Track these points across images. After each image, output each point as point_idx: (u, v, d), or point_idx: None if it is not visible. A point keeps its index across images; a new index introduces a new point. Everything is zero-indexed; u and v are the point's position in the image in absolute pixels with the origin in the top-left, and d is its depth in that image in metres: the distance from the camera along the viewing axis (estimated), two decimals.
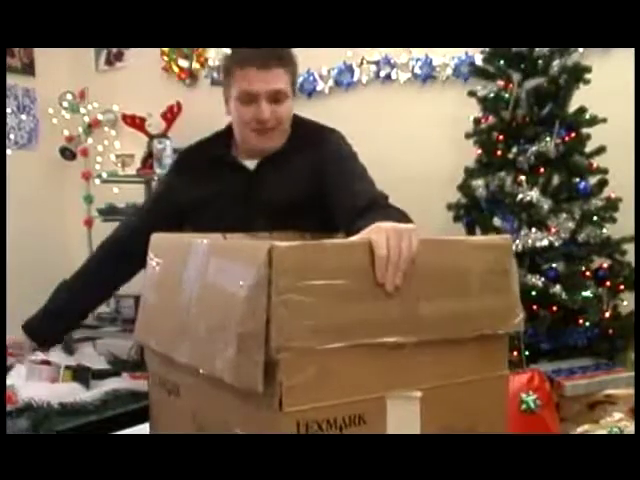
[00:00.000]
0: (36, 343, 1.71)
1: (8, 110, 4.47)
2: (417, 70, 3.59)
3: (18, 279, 4.20)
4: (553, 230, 2.69)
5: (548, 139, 2.76)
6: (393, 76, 3.65)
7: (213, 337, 0.96)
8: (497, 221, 2.80)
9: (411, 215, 1.52)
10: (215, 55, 4.20)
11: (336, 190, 1.61)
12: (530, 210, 2.71)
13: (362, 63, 3.72)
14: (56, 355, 1.70)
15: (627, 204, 2.83)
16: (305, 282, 0.88)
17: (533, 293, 2.61)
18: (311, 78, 3.84)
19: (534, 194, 2.71)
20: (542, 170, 2.79)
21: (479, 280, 1.04)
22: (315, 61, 3.76)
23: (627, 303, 2.82)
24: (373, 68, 3.70)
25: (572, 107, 2.85)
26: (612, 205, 2.82)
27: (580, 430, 1.67)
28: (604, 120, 2.81)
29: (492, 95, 2.92)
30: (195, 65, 4.30)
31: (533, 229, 2.71)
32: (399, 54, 3.62)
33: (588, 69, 2.82)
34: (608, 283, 2.77)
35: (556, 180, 2.81)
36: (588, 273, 2.73)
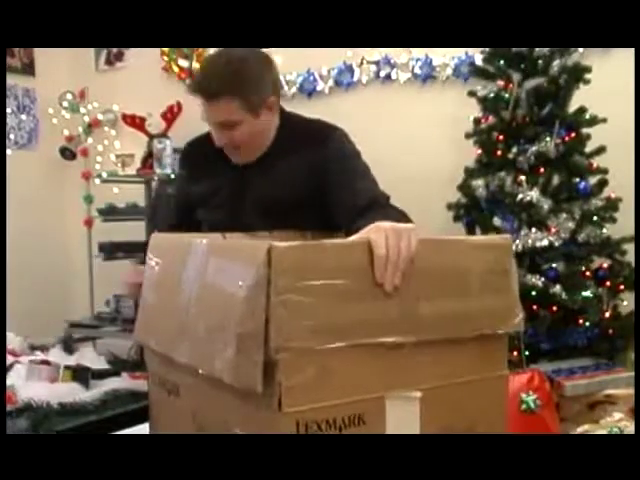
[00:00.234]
0: None
1: (8, 110, 4.47)
2: (417, 70, 3.59)
3: (18, 279, 4.20)
4: (553, 230, 2.69)
5: (548, 139, 2.76)
6: (393, 76, 3.65)
7: (212, 337, 0.96)
8: (497, 221, 2.80)
9: (411, 215, 1.53)
10: None
11: (337, 188, 1.61)
12: (530, 210, 2.71)
13: (362, 63, 3.72)
14: (56, 355, 1.70)
15: (627, 204, 2.83)
16: (304, 282, 0.88)
17: (533, 293, 2.61)
18: (311, 78, 3.84)
19: (534, 194, 2.71)
20: (542, 170, 2.79)
21: (479, 280, 1.04)
22: (315, 61, 3.76)
23: (627, 303, 2.83)
24: (373, 68, 3.70)
25: (572, 107, 2.85)
26: (612, 205, 2.82)
27: (580, 430, 1.67)
28: (604, 120, 2.81)
29: (492, 95, 2.92)
30: (195, 65, 4.30)
31: (533, 229, 2.71)
32: (399, 54, 3.62)
33: (588, 69, 2.82)
34: (608, 283, 2.77)
35: (556, 180, 2.81)
36: (588, 273, 2.73)
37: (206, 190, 1.76)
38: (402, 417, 0.96)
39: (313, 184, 1.63)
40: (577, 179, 2.81)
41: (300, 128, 1.71)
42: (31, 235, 4.49)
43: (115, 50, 4.63)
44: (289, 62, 3.71)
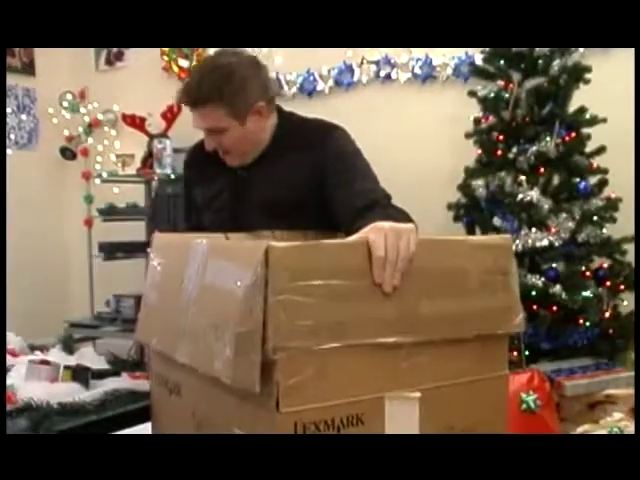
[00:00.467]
0: None
1: (8, 110, 4.47)
2: (417, 70, 3.59)
3: (18, 279, 4.20)
4: (553, 230, 2.69)
5: (548, 139, 2.76)
6: (393, 76, 3.65)
7: (211, 337, 0.96)
8: (497, 221, 2.80)
9: (411, 215, 1.52)
10: None
11: (337, 188, 1.61)
12: (530, 210, 2.71)
13: (362, 63, 3.72)
14: (55, 355, 1.70)
15: (627, 204, 2.83)
16: (302, 282, 0.88)
17: (533, 293, 2.61)
18: (311, 78, 3.84)
19: (534, 194, 2.71)
20: (542, 170, 2.79)
21: (479, 280, 1.04)
22: (315, 61, 3.76)
23: (627, 303, 2.82)
24: (373, 68, 3.70)
25: (572, 107, 2.85)
26: (612, 205, 2.82)
27: (580, 430, 1.67)
28: (604, 120, 2.81)
29: (492, 95, 2.92)
30: (195, 65, 4.30)
31: (533, 229, 2.71)
32: (399, 54, 3.62)
33: (588, 69, 2.82)
34: (608, 283, 2.77)
35: (556, 180, 2.81)
36: (588, 273, 2.73)
37: (208, 194, 1.77)
38: (401, 418, 0.96)
39: (314, 184, 1.63)
40: (577, 179, 2.80)
41: (299, 128, 1.71)
42: (31, 235, 4.49)
43: (115, 50, 4.64)
44: (289, 62, 3.72)
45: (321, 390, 0.90)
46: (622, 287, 2.79)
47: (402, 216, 1.48)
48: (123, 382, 1.56)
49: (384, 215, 1.24)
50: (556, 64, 2.79)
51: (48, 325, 3.73)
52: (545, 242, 2.68)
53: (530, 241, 2.68)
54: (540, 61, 2.82)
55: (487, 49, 3.02)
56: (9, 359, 1.69)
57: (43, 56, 4.61)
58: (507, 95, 2.86)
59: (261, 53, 3.56)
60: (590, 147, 2.86)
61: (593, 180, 2.85)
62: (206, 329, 0.98)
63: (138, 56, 4.45)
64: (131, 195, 4.21)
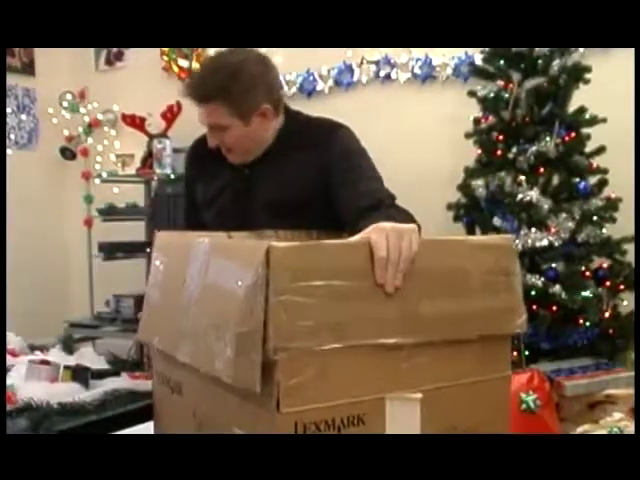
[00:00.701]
0: None
1: (8, 110, 4.47)
2: (417, 70, 3.59)
3: (18, 279, 4.20)
4: (553, 230, 2.69)
5: (548, 139, 2.76)
6: (393, 76, 3.65)
7: (213, 337, 0.96)
8: (497, 221, 2.80)
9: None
10: None
11: (342, 188, 1.60)
12: (530, 210, 2.71)
13: (362, 63, 3.72)
14: (55, 355, 1.70)
15: (627, 204, 2.83)
16: (303, 282, 0.88)
17: (533, 293, 2.61)
18: (311, 78, 3.84)
19: (534, 194, 2.71)
20: (542, 170, 2.79)
21: (481, 280, 1.04)
22: (315, 61, 3.76)
23: (627, 303, 2.82)
24: (373, 68, 3.70)
25: (572, 107, 2.85)
26: (612, 205, 2.82)
27: (580, 430, 1.67)
28: (604, 120, 2.81)
29: (492, 95, 2.92)
30: (195, 65, 4.30)
31: (533, 229, 2.71)
32: (399, 54, 3.62)
33: (588, 69, 2.82)
34: (608, 283, 2.77)
35: (556, 180, 2.81)
36: (588, 273, 2.73)
37: (210, 190, 1.76)
38: (402, 418, 0.96)
39: (319, 183, 1.63)
40: (577, 179, 2.80)
41: (305, 127, 1.71)
42: (31, 235, 4.49)
43: (115, 50, 4.64)
44: (289, 62, 3.71)
45: (322, 390, 0.90)
46: (622, 287, 2.79)
47: (405, 216, 1.47)
48: (123, 382, 1.56)
49: (387, 215, 1.24)
50: (556, 64, 2.79)
51: (48, 325, 3.73)
52: (545, 242, 2.68)
53: (530, 241, 2.68)
54: (540, 61, 2.82)
55: (487, 49, 3.02)
56: (9, 359, 1.69)
57: (43, 56, 4.61)
58: (507, 95, 2.86)
59: None
60: (590, 147, 2.86)
61: (593, 180, 2.85)
62: (207, 329, 0.98)
63: (138, 56, 4.45)
64: (131, 195, 4.21)
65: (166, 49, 4.37)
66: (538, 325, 2.60)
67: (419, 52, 3.57)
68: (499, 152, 2.87)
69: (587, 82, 2.83)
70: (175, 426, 1.17)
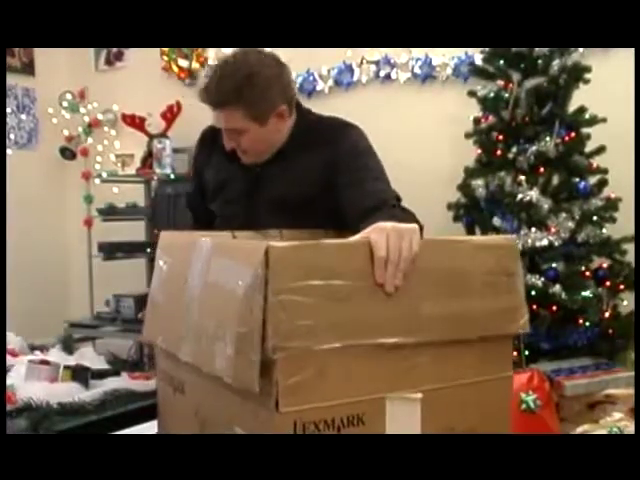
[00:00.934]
0: None
1: (8, 110, 4.47)
2: (417, 70, 3.59)
3: (18, 279, 4.20)
4: (553, 230, 2.69)
5: (548, 139, 2.76)
6: (393, 76, 3.65)
7: (214, 336, 0.97)
8: (497, 221, 2.80)
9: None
10: (215, 55, 4.21)
11: (348, 187, 1.59)
12: (530, 210, 2.71)
13: (362, 63, 3.72)
14: (55, 355, 1.70)
15: (627, 204, 2.83)
16: (302, 282, 0.88)
17: (533, 293, 2.61)
18: (311, 78, 3.84)
19: (534, 194, 2.71)
20: (542, 170, 2.79)
21: (482, 281, 1.03)
22: (315, 61, 3.76)
23: (627, 303, 2.82)
24: (373, 68, 3.70)
25: (572, 107, 2.85)
26: (612, 205, 2.82)
27: (580, 430, 1.67)
28: (604, 120, 2.81)
29: (492, 95, 2.92)
30: (195, 65, 4.30)
31: (533, 229, 2.71)
32: (399, 54, 3.62)
33: (588, 69, 2.82)
34: (608, 283, 2.77)
35: (556, 180, 2.81)
36: (588, 273, 2.73)
37: (220, 177, 1.75)
38: (402, 418, 0.96)
39: (326, 182, 1.62)
40: (577, 179, 2.80)
41: (316, 126, 1.70)
42: (31, 235, 4.49)
43: (115, 50, 4.63)
44: (289, 62, 3.72)
45: (321, 390, 0.90)
46: (622, 287, 2.79)
47: (409, 218, 1.46)
48: (123, 382, 1.56)
49: (390, 216, 1.23)
50: (556, 64, 2.79)
51: (48, 325, 3.73)
52: (545, 242, 2.68)
53: (530, 241, 2.68)
54: (540, 61, 2.82)
55: (487, 49, 3.01)
56: (9, 359, 1.69)
57: (43, 56, 4.61)
58: (507, 95, 2.86)
59: None
60: (590, 147, 2.86)
61: (593, 180, 2.85)
62: (208, 328, 0.99)
63: (138, 56, 4.45)
64: (131, 195, 4.21)
65: (166, 49, 4.37)
66: (538, 325, 2.60)
67: (419, 52, 3.57)
68: (499, 152, 2.87)
69: (587, 82, 2.83)
70: (178, 425, 1.17)
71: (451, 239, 1.05)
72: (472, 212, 2.99)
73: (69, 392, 1.46)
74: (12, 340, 1.86)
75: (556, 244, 2.68)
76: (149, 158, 4.05)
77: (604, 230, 2.79)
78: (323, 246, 0.93)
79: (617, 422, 1.62)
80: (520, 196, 2.72)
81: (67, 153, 4.55)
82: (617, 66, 2.99)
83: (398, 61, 3.63)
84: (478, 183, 2.89)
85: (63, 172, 4.70)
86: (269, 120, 1.62)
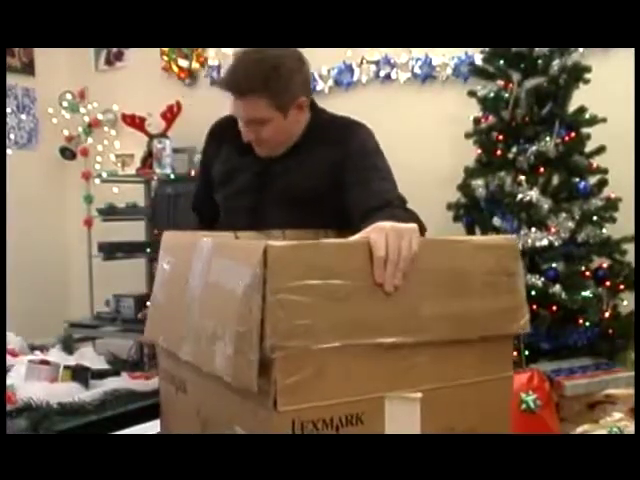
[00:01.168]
0: None
1: (8, 110, 4.47)
2: (417, 70, 3.59)
3: (18, 279, 4.20)
4: (553, 230, 2.69)
5: (548, 139, 2.76)
6: (393, 76, 3.66)
7: (214, 336, 0.97)
8: (497, 221, 2.80)
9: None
10: (215, 55, 4.21)
11: (354, 186, 1.60)
12: (530, 210, 2.71)
13: (362, 63, 3.72)
14: (55, 355, 1.70)
15: (627, 204, 2.83)
16: (301, 282, 0.88)
17: (533, 293, 2.61)
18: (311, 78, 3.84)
19: (534, 194, 2.71)
20: (542, 170, 2.79)
21: (483, 281, 1.03)
22: (315, 61, 3.72)
23: (627, 303, 2.82)
24: (373, 68, 3.70)
25: (572, 107, 2.85)
26: (612, 205, 2.82)
27: (580, 430, 1.67)
28: (604, 120, 2.81)
29: (492, 95, 2.92)
30: (195, 65, 4.30)
31: (533, 229, 2.71)
32: (399, 54, 3.62)
33: (588, 69, 2.82)
34: (608, 283, 2.77)
35: (556, 180, 2.81)
36: (588, 273, 2.73)
37: (230, 166, 1.74)
38: (401, 418, 0.96)
39: (333, 179, 1.62)
40: (577, 179, 2.80)
41: (328, 124, 1.71)
42: (31, 235, 4.49)
43: (115, 50, 4.63)
44: None
45: (320, 389, 0.90)
46: (622, 287, 2.79)
47: (409, 217, 1.46)
48: (123, 382, 1.56)
49: (391, 216, 1.23)
50: (556, 64, 2.79)
51: (48, 325, 3.73)
52: (545, 242, 2.68)
53: (530, 241, 2.68)
54: (540, 61, 2.82)
55: (487, 49, 3.02)
56: (9, 359, 1.69)
57: (43, 56, 4.61)
58: (507, 95, 2.86)
59: None
60: (590, 147, 2.86)
61: (593, 180, 2.85)
62: (208, 328, 0.99)
63: (138, 56, 4.45)
64: (131, 195, 4.21)
65: (166, 49, 4.37)
66: (538, 325, 2.60)
67: (419, 52, 3.57)
68: (499, 152, 2.87)
69: (587, 82, 2.83)
70: (180, 425, 1.18)
71: (451, 239, 1.05)
72: (472, 212, 2.99)
73: (69, 392, 1.46)
74: (12, 340, 1.86)
75: (556, 244, 2.68)
76: (149, 158, 4.05)
77: (604, 230, 2.79)
78: (322, 246, 0.94)
79: (617, 422, 1.62)
80: (520, 196, 2.72)
81: (67, 153, 4.55)
82: (617, 66, 2.99)
83: (398, 61, 3.63)
84: (478, 183, 2.89)
85: (63, 172, 4.70)
86: (290, 111, 1.62)
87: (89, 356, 1.74)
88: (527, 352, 2.51)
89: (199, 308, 1.05)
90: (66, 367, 1.55)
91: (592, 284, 2.72)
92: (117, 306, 3.98)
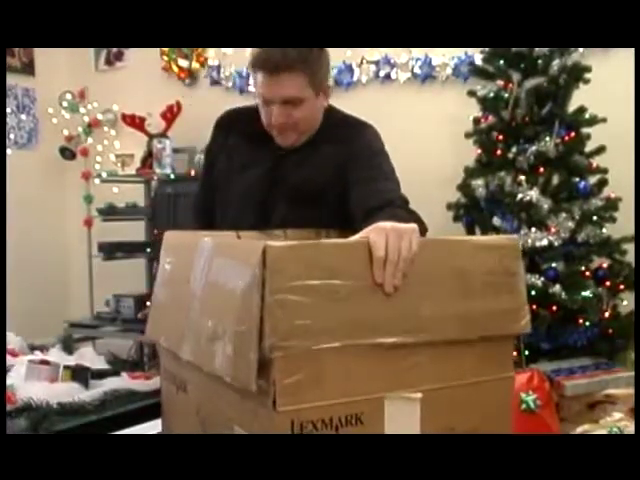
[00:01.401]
0: None
1: (8, 110, 4.47)
2: (417, 70, 3.59)
3: (18, 279, 4.20)
4: (553, 230, 2.69)
5: (548, 139, 2.76)
6: (393, 76, 3.66)
7: (214, 335, 0.97)
8: (497, 221, 2.80)
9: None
10: (215, 55, 4.21)
11: (357, 185, 1.59)
12: (530, 210, 2.71)
13: (362, 63, 3.72)
14: (55, 355, 1.70)
15: (627, 204, 2.83)
16: (300, 282, 0.88)
17: (533, 293, 2.61)
18: None
19: (534, 194, 2.71)
20: (542, 170, 2.79)
21: (484, 281, 1.03)
22: None
23: (627, 303, 2.82)
24: (373, 68, 3.70)
25: (572, 107, 2.85)
26: (612, 205, 2.82)
27: (580, 430, 1.67)
28: (604, 120, 2.81)
29: (492, 95, 2.92)
30: (195, 65, 4.30)
31: (533, 229, 2.71)
32: (399, 54, 3.62)
33: (588, 69, 2.82)
34: (608, 283, 2.77)
35: (556, 180, 2.81)
36: (588, 273, 2.73)
37: (238, 161, 1.72)
38: (401, 418, 0.96)
39: (338, 178, 1.62)
40: (577, 179, 2.81)
41: (336, 122, 1.71)
42: (31, 235, 4.49)
43: (115, 50, 4.63)
44: None
45: (319, 389, 0.90)
46: (622, 287, 2.79)
47: (410, 218, 1.45)
48: (123, 382, 1.56)
49: (391, 215, 1.23)
50: (556, 64, 2.79)
51: (48, 325, 3.72)
52: (545, 242, 2.68)
53: (530, 241, 2.68)
54: (540, 61, 2.83)
55: (487, 49, 3.02)
56: (9, 359, 1.68)
57: (43, 56, 4.61)
58: (507, 95, 2.86)
59: None
60: (590, 147, 2.86)
61: (593, 180, 2.85)
62: (209, 327, 0.99)
63: (138, 56, 4.45)
64: (131, 195, 4.21)
65: (166, 49, 4.36)
66: (538, 325, 2.60)
67: (419, 52, 3.57)
68: (499, 152, 2.87)
69: (587, 82, 2.83)
70: (181, 424, 1.18)
71: (451, 239, 1.05)
72: (472, 212, 2.99)
73: (69, 392, 1.46)
74: (12, 340, 1.86)
75: (556, 244, 2.69)
76: (149, 158, 4.05)
77: (604, 230, 2.79)
78: (322, 246, 0.94)
79: (617, 422, 1.62)
80: (520, 196, 2.72)
81: (67, 153, 4.55)
82: (617, 66, 2.99)
83: (398, 61, 3.63)
84: (478, 183, 2.89)
85: (63, 172, 4.69)
86: (321, 94, 1.62)
87: (89, 356, 1.74)
88: (527, 352, 2.51)
89: (200, 308, 1.05)
90: (66, 367, 1.55)
91: (592, 284, 2.72)
92: (117, 306, 3.97)
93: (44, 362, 1.57)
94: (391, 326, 0.94)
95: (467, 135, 3.04)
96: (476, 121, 3.03)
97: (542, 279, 2.65)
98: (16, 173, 4.36)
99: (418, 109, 3.58)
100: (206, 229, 1.73)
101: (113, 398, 1.46)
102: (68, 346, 1.80)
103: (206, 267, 1.05)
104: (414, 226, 1.00)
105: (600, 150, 2.84)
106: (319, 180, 1.64)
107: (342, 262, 0.92)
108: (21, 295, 4.21)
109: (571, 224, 2.71)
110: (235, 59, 4.06)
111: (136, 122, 4.17)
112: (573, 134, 2.81)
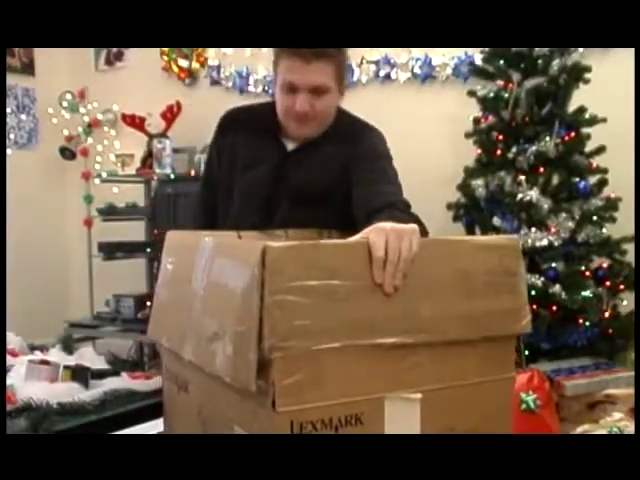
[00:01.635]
0: None
1: (8, 110, 4.47)
2: (417, 70, 3.59)
3: (18, 279, 4.20)
4: (553, 230, 2.69)
5: (548, 139, 2.76)
6: (393, 76, 3.66)
7: (214, 336, 0.97)
8: (497, 221, 2.80)
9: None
10: (215, 55, 4.21)
11: (359, 187, 1.60)
12: (530, 210, 2.71)
13: (362, 63, 3.72)
14: (55, 355, 1.70)
15: (627, 204, 2.83)
16: (299, 282, 0.88)
17: (533, 293, 2.61)
18: None
19: (534, 194, 2.71)
20: (542, 170, 2.79)
21: (484, 281, 1.03)
22: None
23: (627, 303, 2.82)
24: (373, 68, 3.70)
25: (572, 107, 2.85)
26: (612, 205, 2.82)
27: (580, 430, 1.67)
28: (604, 120, 2.81)
29: (492, 95, 2.92)
30: (195, 65, 4.30)
31: (533, 229, 2.71)
32: (399, 54, 3.62)
33: (588, 69, 2.82)
34: (608, 283, 2.77)
35: (556, 180, 2.81)
36: (588, 273, 2.73)
37: (246, 157, 1.72)
38: (401, 418, 0.96)
39: (342, 179, 1.63)
40: (577, 179, 2.80)
41: (344, 123, 1.71)
42: (31, 235, 4.49)
43: (115, 50, 4.63)
44: None
45: (318, 390, 0.90)
46: (622, 287, 2.79)
47: (410, 219, 1.45)
48: (123, 382, 1.56)
49: (391, 216, 1.24)
50: (556, 64, 2.79)
51: (48, 325, 3.73)
52: (545, 242, 2.68)
53: (530, 241, 2.68)
54: (540, 61, 2.82)
55: (487, 49, 3.02)
56: (9, 359, 1.69)
57: (43, 56, 4.61)
58: (507, 95, 2.86)
59: (260, 53, 3.57)
60: (590, 147, 2.86)
61: (593, 180, 2.85)
62: (209, 327, 0.99)
63: (138, 56, 4.45)
64: (131, 195, 4.21)
65: (166, 49, 4.37)
66: (538, 325, 2.60)
67: (419, 52, 3.57)
68: (499, 152, 2.87)
69: (587, 82, 2.83)
70: (182, 424, 1.18)
71: (452, 239, 1.05)
72: (472, 212, 2.99)
73: (69, 392, 1.46)
74: (12, 340, 1.86)
75: (556, 244, 2.68)
76: (149, 158, 4.05)
77: (604, 230, 2.79)
78: (321, 246, 0.94)
79: (617, 422, 1.62)
80: (520, 196, 2.72)
81: (67, 153, 4.55)
82: (617, 66, 2.99)
83: (398, 61, 3.63)
84: (478, 183, 2.89)
85: (63, 172, 4.69)
86: (340, 89, 1.64)
87: (89, 356, 1.74)
88: (527, 352, 2.50)
89: (201, 308, 1.05)
90: (66, 367, 1.55)
91: (592, 284, 2.72)
92: (117, 306, 3.97)
93: (44, 362, 1.57)
94: (391, 326, 0.94)
95: (467, 135, 3.04)
96: (476, 121, 3.03)
97: (542, 279, 2.65)
98: (16, 173, 4.36)
99: (418, 109, 3.58)
100: (208, 227, 1.73)
101: (113, 398, 1.46)
102: (68, 346, 1.81)
103: (207, 267, 1.05)
104: (414, 226, 1.00)
105: (600, 150, 2.84)
106: (323, 180, 1.64)
107: (341, 262, 0.92)
108: (21, 295, 4.21)
109: (571, 224, 2.71)
110: (235, 59, 4.06)
111: (136, 122, 4.17)
112: (573, 134, 2.81)
